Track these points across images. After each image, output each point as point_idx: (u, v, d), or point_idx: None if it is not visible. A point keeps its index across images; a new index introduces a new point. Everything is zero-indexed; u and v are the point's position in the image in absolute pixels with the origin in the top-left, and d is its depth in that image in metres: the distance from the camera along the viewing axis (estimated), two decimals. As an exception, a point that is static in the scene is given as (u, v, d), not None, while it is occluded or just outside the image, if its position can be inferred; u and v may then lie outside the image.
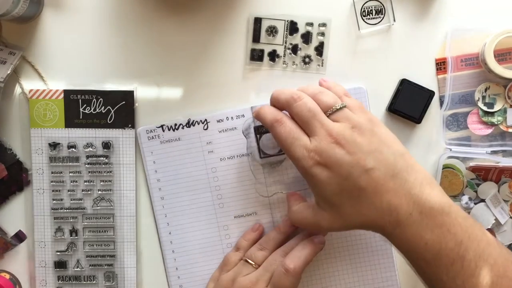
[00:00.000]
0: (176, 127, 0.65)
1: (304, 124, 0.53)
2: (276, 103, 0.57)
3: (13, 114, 0.66)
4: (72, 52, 0.65)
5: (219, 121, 0.65)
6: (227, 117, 0.65)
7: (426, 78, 0.65)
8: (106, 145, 0.65)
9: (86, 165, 0.65)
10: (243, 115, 0.65)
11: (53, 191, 0.66)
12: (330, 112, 0.53)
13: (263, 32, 0.65)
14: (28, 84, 0.66)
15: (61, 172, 0.65)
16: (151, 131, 0.65)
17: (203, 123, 0.65)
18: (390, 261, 0.66)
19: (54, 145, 0.65)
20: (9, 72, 0.63)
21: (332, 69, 0.65)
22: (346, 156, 0.51)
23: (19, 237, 0.66)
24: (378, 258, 0.66)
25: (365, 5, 0.64)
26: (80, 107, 0.65)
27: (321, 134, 0.52)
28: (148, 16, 0.65)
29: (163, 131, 0.65)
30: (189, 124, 0.65)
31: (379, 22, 0.65)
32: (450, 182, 0.65)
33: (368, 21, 0.65)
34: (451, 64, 0.64)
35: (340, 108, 0.53)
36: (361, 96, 0.64)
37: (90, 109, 0.65)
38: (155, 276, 0.67)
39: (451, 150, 0.64)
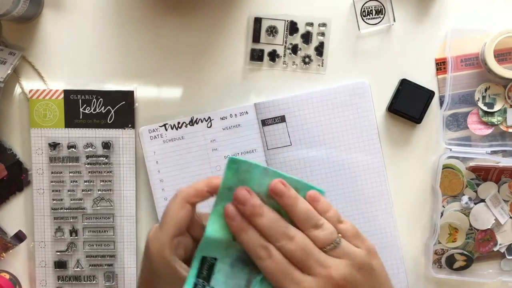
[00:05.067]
0: (179, 125, 0.65)
1: (298, 262, 0.45)
2: (263, 230, 0.44)
3: (13, 114, 0.66)
4: (72, 52, 0.65)
5: (222, 119, 0.65)
6: (230, 114, 0.65)
7: (426, 78, 0.65)
8: (106, 145, 0.65)
9: (86, 165, 0.65)
10: (246, 112, 0.65)
11: (53, 191, 0.66)
12: (327, 249, 0.45)
13: (263, 32, 0.65)
14: (28, 84, 0.66)
15: (61, 172, 0.65)
16: (153, 130, 0.65)
17: (206, 121, 0.65)
18: (398, 257, 0.65)
19: (54, 145, 0.65)
20: (9, 72, 0.63)
21: (332, 69, 0.65)
22: None
23: (19, 237, 0.66)
24: (385, 256, 0.65)
25: (365, 5, 0.64)
26: (80, 107, 0.65)
27: (321, 276, 0.44)
28: (148, 16, 0.65)
29: (166, 130, 0.65)
30: (192, 122, 0.65)
31: (379, 22, 0.65)
32: (450, 182, 0.65)
33: (368, 21, 0.65)
34: (451, 64, 0.64)
35: (338, 243, 0.46)
36: (364, 90, 0.64)
37: (90, 109, 0.65)
38: (155, 276, 0.67)
39: (451, 150, 0.64)
